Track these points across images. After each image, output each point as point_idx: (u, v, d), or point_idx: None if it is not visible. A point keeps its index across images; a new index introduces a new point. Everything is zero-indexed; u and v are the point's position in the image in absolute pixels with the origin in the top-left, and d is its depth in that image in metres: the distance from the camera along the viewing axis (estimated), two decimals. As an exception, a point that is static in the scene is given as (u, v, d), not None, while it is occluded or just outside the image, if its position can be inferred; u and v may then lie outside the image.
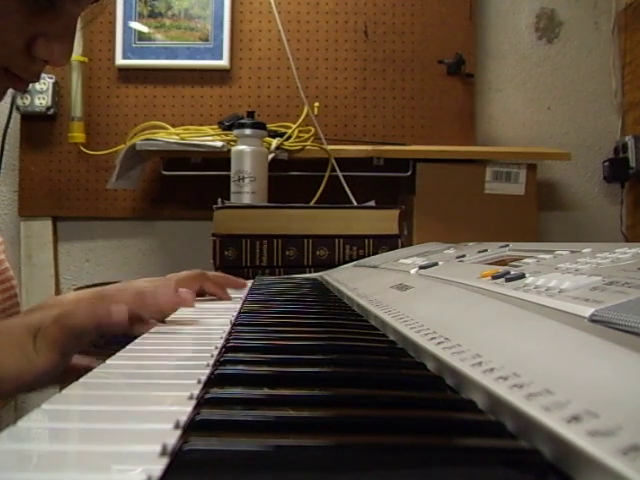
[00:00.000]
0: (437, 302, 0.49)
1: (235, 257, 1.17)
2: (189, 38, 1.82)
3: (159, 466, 0.20)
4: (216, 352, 0.38)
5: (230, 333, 0.46)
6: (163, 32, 1.82)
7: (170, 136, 1.63)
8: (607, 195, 1.90)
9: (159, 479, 0.19)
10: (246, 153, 1.45)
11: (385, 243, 1.19)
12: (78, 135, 1.78)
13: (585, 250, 0.49)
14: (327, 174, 1.63)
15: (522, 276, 0.45)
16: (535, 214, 1.66)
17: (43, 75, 0.68)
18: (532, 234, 1.62)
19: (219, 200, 1.31)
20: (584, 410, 0.20)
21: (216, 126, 1.70)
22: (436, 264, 0.67)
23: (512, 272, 0.47)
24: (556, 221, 1.89)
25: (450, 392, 0.30)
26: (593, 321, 0.31)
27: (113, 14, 1.79)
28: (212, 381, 0.31)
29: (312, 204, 1.54)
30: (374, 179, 1.70)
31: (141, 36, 1.81)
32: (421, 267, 0.68)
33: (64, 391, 0.29)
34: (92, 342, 0.50)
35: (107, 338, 0.50)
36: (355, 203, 1.52)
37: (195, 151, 1.62)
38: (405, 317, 0.45)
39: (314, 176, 1.64)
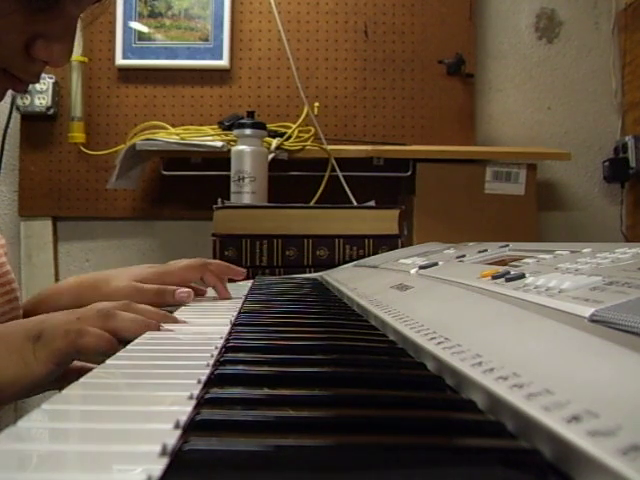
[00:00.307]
0: (437, 302, 0.49)
1: (235, 257, 1.17)
2: (189, 38, 1.82)
3: (159, 466, 0.20)
4: (216, 352, 0.38)
5: (230, 333, 0.46)
6: (163, 32, 1.82)
7: (170, 136, 1.63)
8: (607, 195, 1.90)
9: (159, 479, 0.19)
10: (246, 153, 1.45)
11: (385, 243, 1.19)
12: (78, 135, 1.78)
13: (585, 250, 0.49)
14: (327, 174, 1.63)
15: (522, 276, 0.45)
16: (535, 214, 1.66)
17: (43, 75, 0.68)
18: (532, 234, 1.62)
19: (219, 200, 1.31)
20: (584, 410, 0.20)
21: (216, 126, 1.70)
22: (436, 264, 0.67)
23: (512, 272, 0.47)
24: (556, 221, 1.89)
25: (450, 392, 0.30)
26: (593, 321, 0.31)
27: (113, 14, 1.79)
28: (212, 381, 0.31)
29: (312, 204, 1.54)
30: (374, 179, 1.70)
31: (141, 36, 1.81)
32: (421, 267, 0.68)
33: (64, 391, 0.29)
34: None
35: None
36: (355, 203, 1.52)
37: (195, 151, 1.62)
38: (405, 317, 0.45)
39: (314, 176, 1.64)
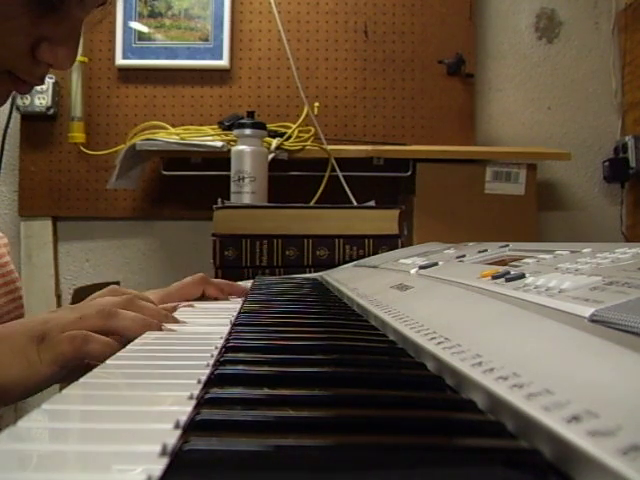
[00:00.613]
0: (437, 302, 0.49)
1: (235, 257, 1.17)
2: (189, 38, 1.82)
3: (159, 466, 0.20)
4: (216, 352, 0.38)
5: (230, 333, 0.46)
6: (163, 32, 1.82)
7: (170, 136, 1.63)
8: (607, 195, 1.90)
9: (159, 479, 0.19)
10: (246, 153, 1.45)
11: (385, 243, 1.19)
12: (78, 135, 1.78)
13: (585, 250, 0.49)
14: (327, 174, 1.63)
15: (522, 276, 0.45)
16: (535, 214, 1.66)
17: (43, 75, 0.68)
18: (532, 234, 1.62)
19: (219, 200, 1.31)
20: (584, 410, 0.20)
21: (216, 126, 1.70)
22: (436, 264, 0.67)
23: (512, 272, 0.47)
24: (556, 221, 1.89)
25: (450, 392, 0.30)
26: (593, 321, 0.31)
27: (113, 14, 1.79)
28: (212, 381, 0.31)
29: (312, 204, 1.54)
30: (374, 179, 1.70)
31: (141, 36, 1.81)
32: (421, 267, 0.68)
33: (64, 391, 0.29)
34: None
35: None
36: (355, 203, 1.52)
37: (195, 151, 1.62)
38: (405, 317, 0.45)
39: (314, 176, 1.64)
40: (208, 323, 0.56)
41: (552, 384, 0.23)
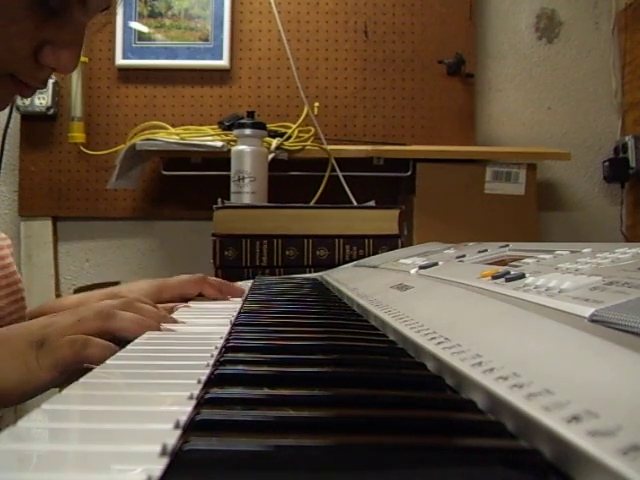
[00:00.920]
0: (437, 302, 0.48)
1: (235, 257, 1.17)
2: (189, 38, 1.82)
3: (159, 466, 0.20)
4: (216, 352, 0.38)
5: (230, 333, 0.46)
6: (163, 32, 1.82)
7: (170, 136, 1.63)
8: (607, 195, 1.90)
9: (159, 479, 0.19)
10: (246, 153, 1.45)
11: (385, 243, 1.19)
12: (78, 135, 1.78)
13: (585, 250, 0.49)
14: (327, 174, 1.63)
15: (522, 276, 0.45)
16: (535, 214, 1.66)
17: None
18: (532, 234, 1.62)
19: (219, 200, 1.31)
20: (584, 410, 0.20)
21: (216, 126, 1.70)
22: (436, 264, 0.67)
23: (512, 272, 0.47)
24: (556, 221, 1.89)
25: (450, 392, 0.30)
26: (593, 321, 0.31)
27: (113, 14, 1.79)
28: (212, 381, 0.31)
29: (312, 204, 1.54)
30: (374, 179, 1.70)
31: (141, 36, 1.81)
32: (421, 267, 0.68)
33: (64, 391, 0.29)
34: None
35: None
36: (355, 203, 1.52)
37: (195, 151, 1.62)
38: (405, 317, 0.45)
39: (314, 176, 1.64)
40: (208, 323, 0.56)
41: (552, 384, 0.23)
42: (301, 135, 1.67)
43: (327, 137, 1.68)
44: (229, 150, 1.50)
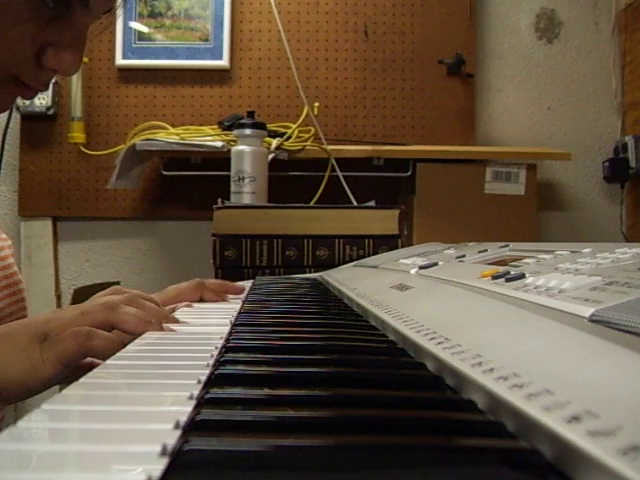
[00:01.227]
0: (437, 302, 0.48)
1: (235, 257, 1.17)
2: (189, 38, 1.82)
3: (159, 466, 0.20)
4: (216, 352, 0.38)
5: (230, 333, 0.46)
6: (163, 32, 1.82)
7: (170, 136, 1.63)
8: (607, 195, 1.90)
9: (159, 479, 0.19)
10: (246, 153, 1.45)
11: (385, 243, 1.19)
12: (78, 135, 1.78)
13: (585, 250, 0.49)
14: (327, 174, 1.63)
15: (522, 276, 0.45)
16: (535, 214, 1.66)
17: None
18: (532, 234, 1.62)
19: (219, 200, 1.31)
20: (584, 410, 0.20)
21: (216, 126, 1.70)
22: (436, 264, 0.67)
23: (512, 272, 0.47)
24: (556, 221, 1.89)
25: (450, 392, 0.30)
26: (593, 321, 0.31)
27: (115, 16, 1.78)
28: (212, 381, 0.31)
29: (312, 204, 1.54)
30: (374, 179, 1.70)
31: (141, 36, 1.81)
32: (421, 267, 0.68)
33: (64, 391, 0.29)
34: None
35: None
36: (355, 203, 1.52)
37: (195, 151, 1.62)
38: (405, 317, 0.45)
39: (314, 176, 1.64)
40: (208, 323, 0.56)
41: (552, 384, 0.23)
42: (301, 135, 1.67)
43: (327, 137, 1.68)
44: (229, 150, 1.50)
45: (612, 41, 1.88)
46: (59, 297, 1.85)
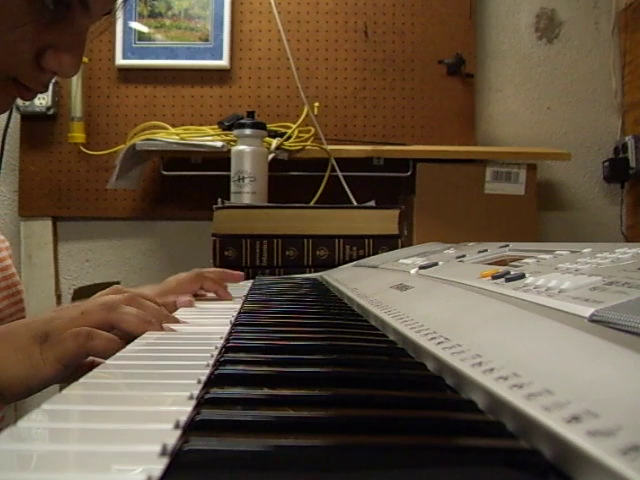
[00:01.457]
0: (437, 302, 0.48)
1: (235, 257, 1.17)
2: (189, 38, 1.82)
3: (159, 466, 0.20)
4: (216, 352, 0.38)
5: (230, 333, 0.46)
6: (163, 32, 1.82)
7: (170, 136, 1.63)
8: (607, 195, 1.90)
9: (159, 479, 0.19)
10: (246, 153, 1.45)
11: (385, 243, 1.19)
12: (78, 135, 1.78)
13: (585, 250, 0.49)
14: (327, 174, 1.63)
15: (522, 276, 0.45)
16: (535, 214, 1.66)
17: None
18: (532, 234, 1.62)
19: (219, 200, 1.31)
20: (584, 410, 0.20)
21: (216, 126, 1.70)
22: (436, 264, 0.67)
23: (512, 272, 0.47)
24: (556, 221, 1.89)
25: (450, 392, 0.30)
26: (593, 321, 0.31)
27: (114, 18, 1.78)
28: (212, 381, 0.31)
29: (312, 204, 1.54)
30: (374, 179, 1.70)
31: (141, 36, 1.81)
32: (421, 267, 0.68)
33: (64, 391, 0.29)
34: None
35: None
36: (355, 203, 1.52)
37: (195, 151, 1.62)
38: (405, 317, 0.45)
39: (314, 176, 1.64)
40: (208, 323, 0.56)
41: (552, 384, 0.23)
42: (301, 135, 1.67)
43: (327, 137, 1.68)
44: (229, 150, 1.50)
45: (612, 41, 1.88)
46: (59, 297, 1.85)
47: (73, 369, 0.48)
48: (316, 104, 1.77)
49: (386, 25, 1.85)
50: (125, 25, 1.80)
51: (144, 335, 0.48)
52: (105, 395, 0.30)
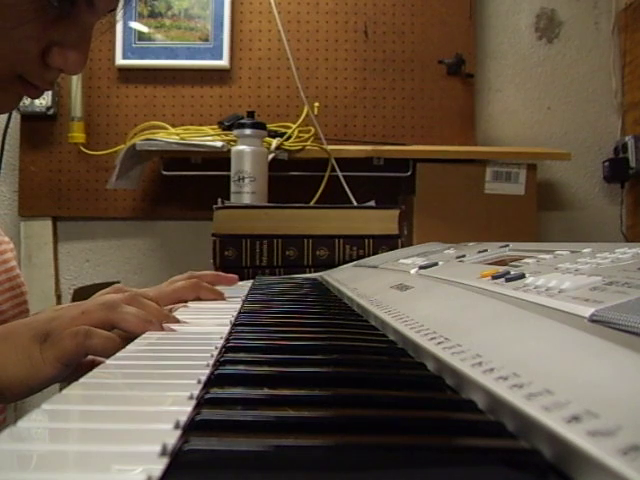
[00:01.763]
0: (437, 302, 0.48)
1: (235, 257, 1.17)
2: (189, 38, 1.82)
3: (159, 466, 0.20)
4: (216, 352, 0.38)
5: (230, 333, 0.46)
6: (163, 32, 1.82)
7: (170, 136, 1.63)
8: (607, 195, 1.90)
9: (159, 479, 0.19)
10: (246, 153, 1.45)
11: (385, 243, 1.19)
12: (78, 135, 1.78)
13: (585, 250, 0.49)
14: (327, 174, 1.63)
15: (522, 276, 0.45)
16: (535, 214, 1.66)
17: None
18: (532, 234, 1.62)
19: (219, 200, 1.31)
20: (584, 410, 0.20)
21: (216, 126, 1.70)
22: (436, 264, 0.67)
23: (512, 272, 0.47)
24: (556, 221, 1.89)
25: (450, 392, 0.30)
26: (593, 321, 0.31)
27: (119, 15, 1.78)
28: (212, 381, 0.31)
29: (312, 204, 1.54)
30: (374, 179, 1.70)
31: (141, 36, 1.81)
32: (421, 267, 0.68)
33: (64, 391, 0.29)
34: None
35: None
36: (355, 203, 1.52)
37: (195, 151, 1.62)
38: (405, 317, 0.45)
39: (314, 176, 1.64)
40: (208, 323, 0.56)
41: (552, 384, 0.23)
42: (301, 135, 1.67)
43: (327, 137, 1.68)
44: (229, 150, 1.50)
45: (612, 41, 1.88)
46: (59, 297, 1.85)
47: (73, 368, 0.48)
48: (316, 104, 1.77)
49: (386, 25, 1.85)
50: (125, 25, 1.80)
51: (144, 335, 0.48)
52: (105, 395, 0.30)
